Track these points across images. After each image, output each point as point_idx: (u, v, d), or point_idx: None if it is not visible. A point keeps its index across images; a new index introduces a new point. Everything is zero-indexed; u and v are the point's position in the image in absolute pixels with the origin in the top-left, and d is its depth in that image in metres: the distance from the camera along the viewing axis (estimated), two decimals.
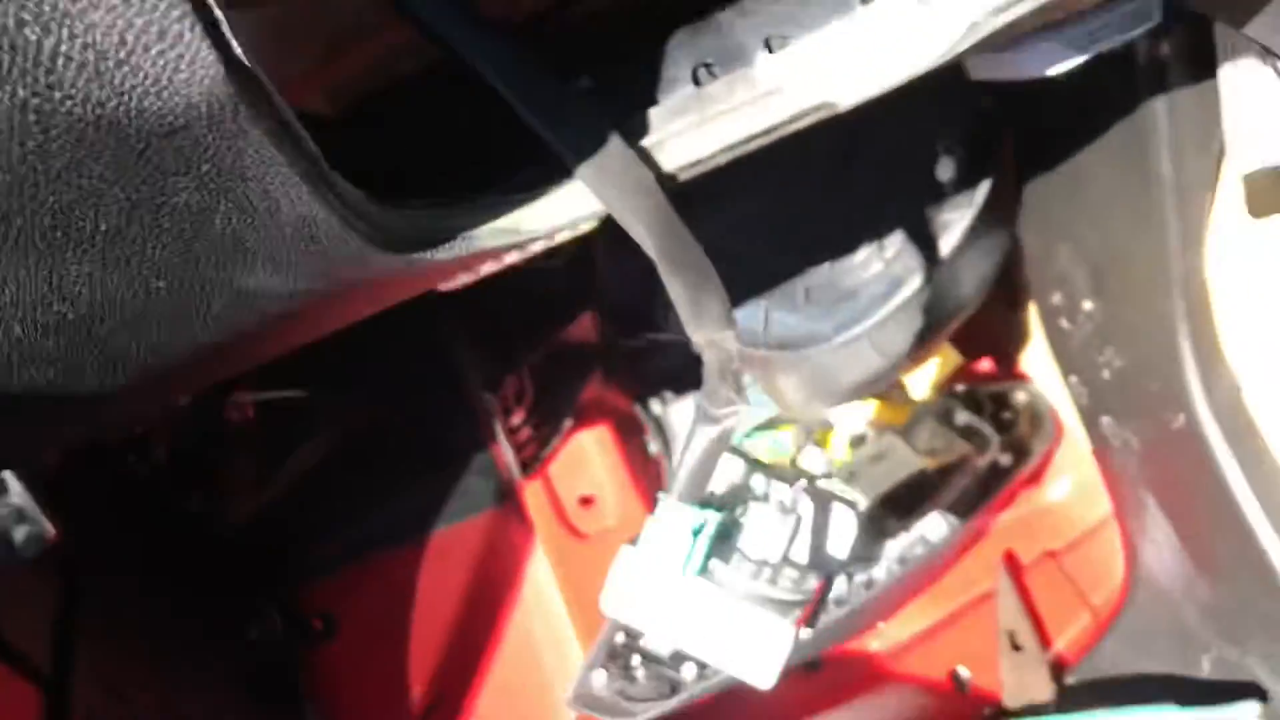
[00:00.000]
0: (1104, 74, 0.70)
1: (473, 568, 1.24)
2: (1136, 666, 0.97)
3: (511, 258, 0.55)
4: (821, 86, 0.51)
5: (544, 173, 0.48)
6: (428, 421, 1.31)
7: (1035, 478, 1.07)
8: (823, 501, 0.64)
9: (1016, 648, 0.99)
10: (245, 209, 0.38)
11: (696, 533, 0.57)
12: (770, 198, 0.86)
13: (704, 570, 0.58)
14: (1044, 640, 1.00)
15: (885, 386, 0.95)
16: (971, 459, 0.99)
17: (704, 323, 0.53)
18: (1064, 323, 0.94)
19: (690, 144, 0.52)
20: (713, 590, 0.57)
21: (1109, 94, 0.79)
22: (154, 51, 0.31)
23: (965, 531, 1.01)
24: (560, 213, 0.50)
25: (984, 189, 0.84)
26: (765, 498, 0.63)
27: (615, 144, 0.47)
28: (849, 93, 0.51)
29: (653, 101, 0.52)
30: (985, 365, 1.18)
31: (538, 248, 0.67)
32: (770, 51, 0.52)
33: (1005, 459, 1.03)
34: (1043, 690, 0.96)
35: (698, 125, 0.52)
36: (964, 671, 1.01)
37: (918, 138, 0.84)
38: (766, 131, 0.52)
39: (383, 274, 0.45)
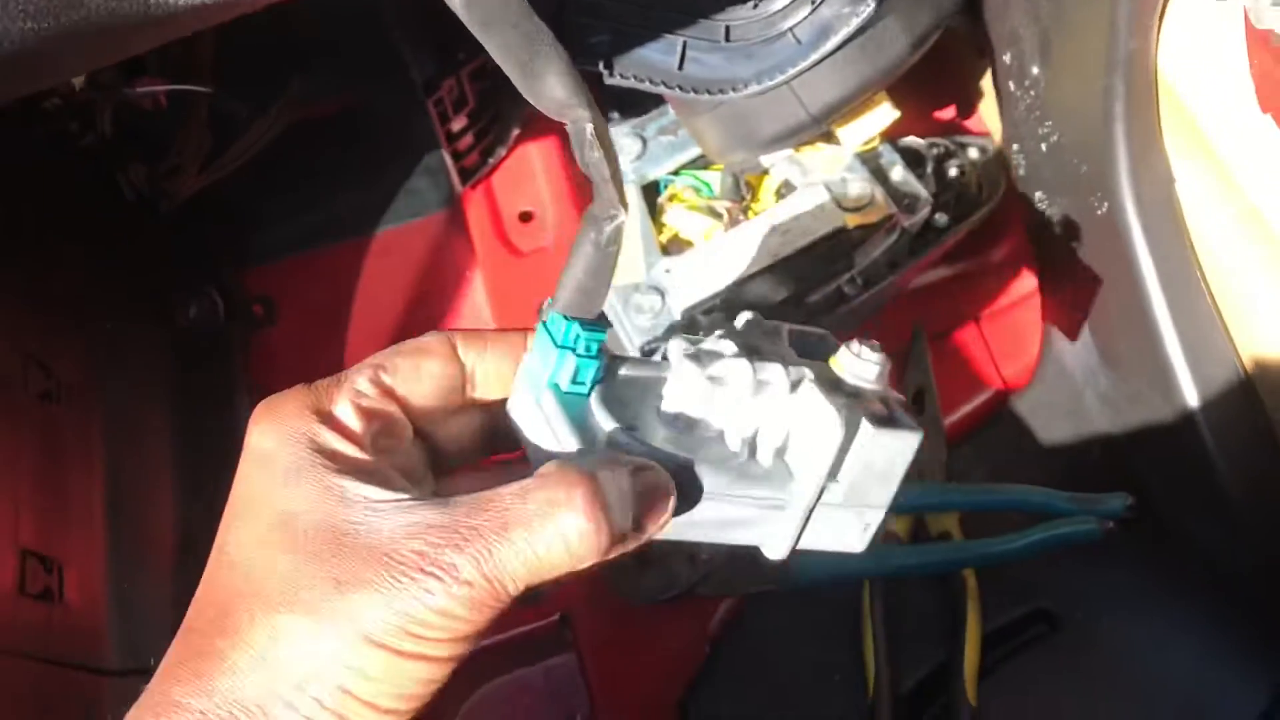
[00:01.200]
0: None
1: (415, 269, 1.24)
2: (1030, 446, 0.97)
3: None
4: None
5: None
6: (380, 116, 1.27)
7: (975, 239, 1.03)
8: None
9: (918, 409, 0.99)
10: None
11: (567, 349, 0.47)
12: None
13: (583, 394, 0.48)
14: (946, 405, 0.99)
15: (811, 138, 0.91)
16: (900, 220, 0.95)
17: (542, 94, 0.45)
18: (1012, 85, 0.88)
19: None
20: (541, 420, 0.48)
21: None
22: None
23: (885, 291, 0.98)
24: None
25: None
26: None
27: None
28: None
29: None
30: (948, 113, 1.12)
31: None
32: None
33: (941, 218, 0.99)
34: (934, 454, 0.97)
35: None
36: None
37: None
38: None
39: (120, 14, 0.42)
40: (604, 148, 0.44)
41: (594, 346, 0.47)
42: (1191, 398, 0.81)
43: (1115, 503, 0.86)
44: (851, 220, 0.93)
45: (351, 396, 0.44)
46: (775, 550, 0.50)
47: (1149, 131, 0.77)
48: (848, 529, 0.50)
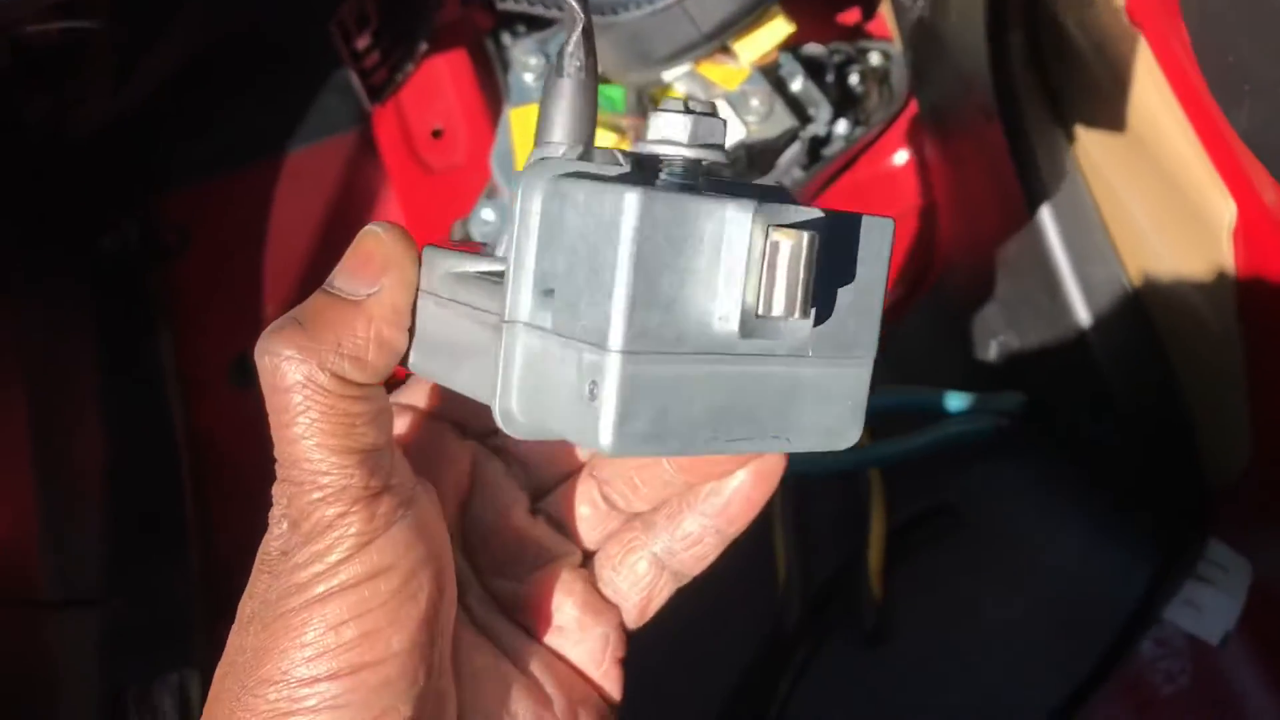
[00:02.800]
0: None
1: (328, 190, 1.24)
2: (929, 349, 1.00)
3: None
4: None
5: None
6: (285, 36, 1.26)
7: (876, 144, 1.05)
8: None
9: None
10: None
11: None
12: None
13: None
14: None
15: (706, 55, 0.91)
16: (799, 130, 0.97)
17: None
18: None
19: None
20: None
21: None
22: None
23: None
24: None
25: None
26: None
27: None
28: None
29: None
30: (852, 16, 1.12)
31: None
32: None
33: (841, 126, 1.01)
34: None
35: None
36: None
37: None
38: None
39: None
40: None
41: None
42: (1077, 299, 0.84)
43: (1009, 401, 0.89)
44: (753, 131, 0.95)
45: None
46: (490, 398, 0.36)
47: (1032, 44, 0.79)
48: (565, 384, 0.33)
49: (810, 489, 0.95)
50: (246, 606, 0.39)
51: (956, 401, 0.91)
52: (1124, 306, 0.83)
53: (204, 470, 1.13)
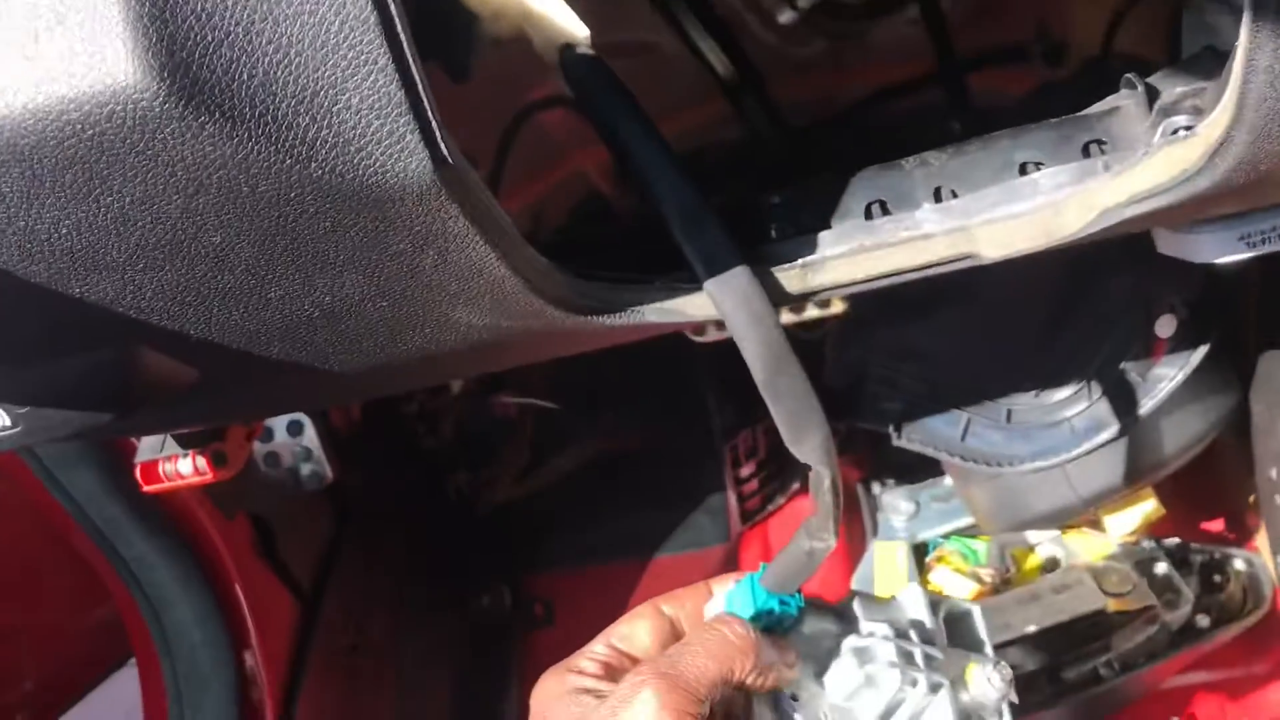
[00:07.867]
0: None
1: None
2: None
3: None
4: (969, 240, 0.58)
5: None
6: (675, 455, 1.42)
7: (1238, 648, 1.05)
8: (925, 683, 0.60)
9: None
10: (448, 261, 0.50)
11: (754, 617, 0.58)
12: (990, 317, 0.91)
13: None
14: None
15: (1073, 521, 0.98)
16: (1160, 613, 0.99)
17: (803, 450, 0.56)
18: (1278, 500, 0.93)
19: (848, 268, 0.60)
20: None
21: None
22: (382, 143, 0.44)
23: (1140, 680, 1.01)
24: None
25: (1201, 352, 0.85)
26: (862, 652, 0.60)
27: (740, 272, 0.54)
28: (991, 250, 0.57)
29: (827, 224, 0.60)
30: (1216, 524, 1.16)
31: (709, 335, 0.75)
32: (937, 201, 0.59)
33: (1203, 620, 1.02)
34: None
35: (858, 253, 0.59)
36: None
37: (1144, 290, 0.87)
38: (916, 269, 0.59)
39: (562, 328, 0.57)
40: (834, 495, 0.56)
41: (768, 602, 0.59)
42: None
43: None
44: (1112, 605, 0.98)
45: (589, 655, 0.58)
46: None
47: None
48: None
49: None
50: None
51: None
52: None
53: None
